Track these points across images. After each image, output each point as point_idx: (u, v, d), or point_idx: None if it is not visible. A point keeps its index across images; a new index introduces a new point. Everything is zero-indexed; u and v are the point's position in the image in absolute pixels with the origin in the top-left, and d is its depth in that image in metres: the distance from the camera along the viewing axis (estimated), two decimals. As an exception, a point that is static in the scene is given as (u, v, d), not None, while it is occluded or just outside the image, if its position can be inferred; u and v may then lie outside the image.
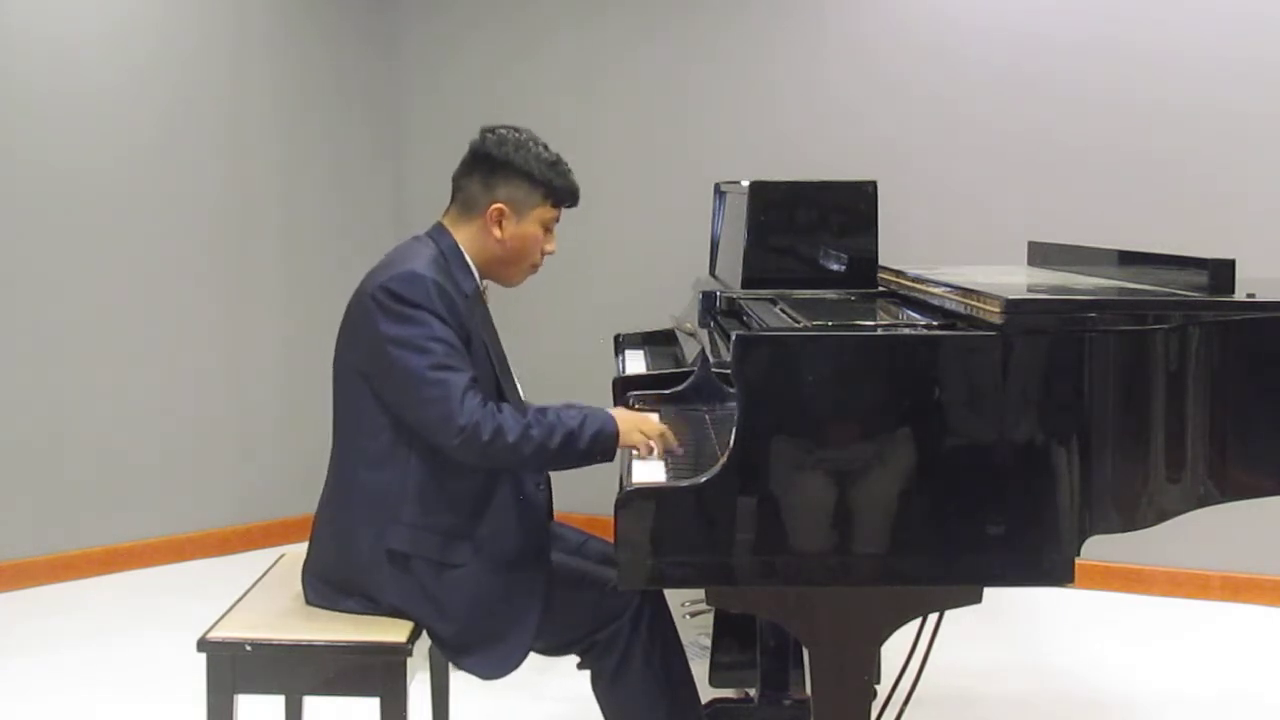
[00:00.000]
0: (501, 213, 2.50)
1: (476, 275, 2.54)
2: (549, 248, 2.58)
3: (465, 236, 2.52)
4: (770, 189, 3.11)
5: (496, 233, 2.51)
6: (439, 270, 2.43)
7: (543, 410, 2.42)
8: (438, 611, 2.42)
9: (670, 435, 2.48)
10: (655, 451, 2.41)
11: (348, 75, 5.21)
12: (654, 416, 2.64)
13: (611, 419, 2.42)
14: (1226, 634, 4.13)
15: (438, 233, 2.54)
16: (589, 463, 2.42)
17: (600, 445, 2.39)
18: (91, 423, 4.63)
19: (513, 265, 2.56)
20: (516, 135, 2.53)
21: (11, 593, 4.40)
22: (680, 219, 4.70)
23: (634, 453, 2.42)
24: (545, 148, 2.54)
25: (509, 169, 2.50)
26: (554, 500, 2.66)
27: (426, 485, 2.41)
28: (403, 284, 2.38)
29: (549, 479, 2.59)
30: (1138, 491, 2.18)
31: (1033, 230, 3.54)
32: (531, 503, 2.51)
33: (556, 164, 2.53)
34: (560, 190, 2.53)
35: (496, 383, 2.50)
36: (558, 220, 2.58)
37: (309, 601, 2.52)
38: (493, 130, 2.55)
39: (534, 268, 2.60)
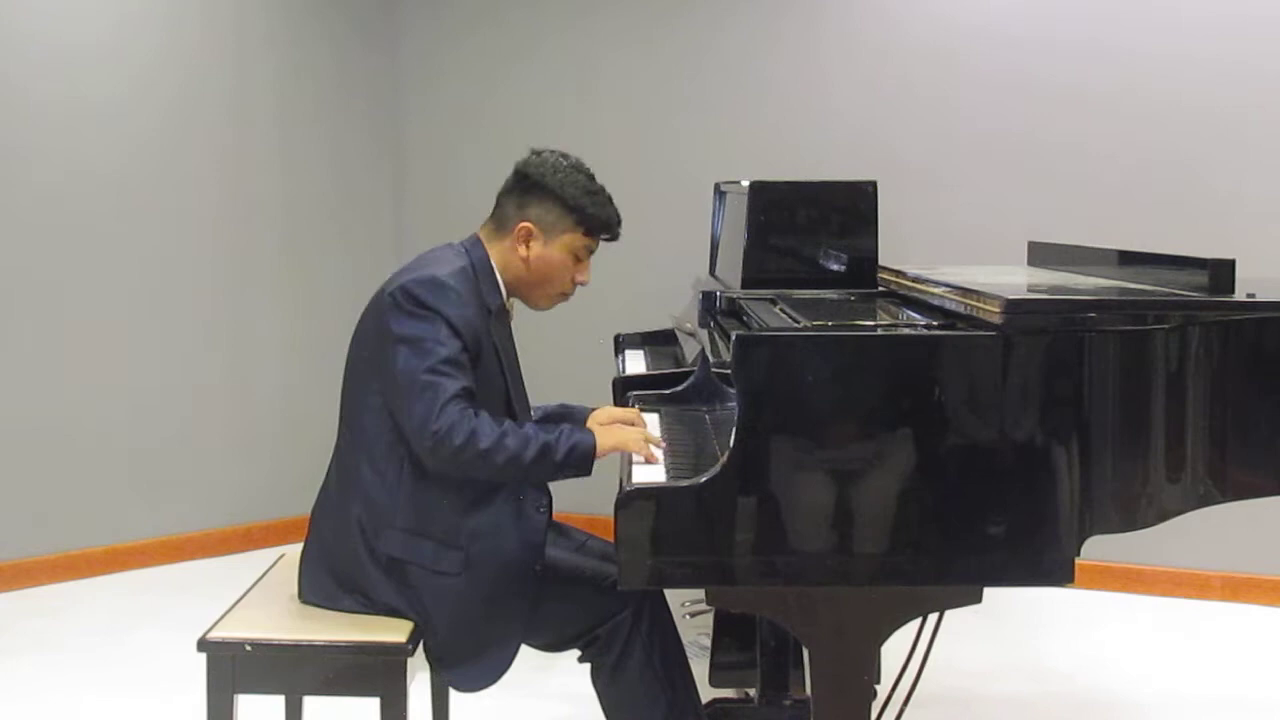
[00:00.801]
0: (529, 232, 2.50)
1: (504, 292, 2.54)
2: (581, 278, 2.57)
3: (496, 252, 2.53)
4: (770, 189, 3.11)
5: (522, 251, 2.51)
6: (464, 281, 2.44)
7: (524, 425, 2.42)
8: (427, 619, 2.42)
9: (651, 436, 2.47)
10: (643, 456, 2.40)
11: (349, 75, 5.21)
12: (652, 418, 2.63)
13: (590, 435, 2.41)
14: (1226, 634, 4.13)
15: (472, 244, 2.55)
16: (564, 476, 2.41)
17: (576, 460, 2.38)
18: (92, 423, 4.62)
19: (538, 288, 2.56)
20: (560, 160, 2.54)
21: (11, 593, 4.40)
22: (680, 219, 4.69)
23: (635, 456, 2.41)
24: (589, 177, 2.54)
25: (543, 190, 2.50)
26: (554, 499, 2.65)
27: (423, 489, 2.41)
28: (423, 286, 2.39)
29: (550, 499, 2.56)
30: (1138, 491, 2.18)
31: (1033, 230, 3.54)
32: (530, 523, 2.48)
33: (596, 194, 2.52)
34: (592, 219, 2.52)
35: (507, 400, 2.50)
36: (592, 250, 2.57)
37: (304, 598, 2.53)
38: (539, 152, 2.56)
39: (563, 295, 2.59)
